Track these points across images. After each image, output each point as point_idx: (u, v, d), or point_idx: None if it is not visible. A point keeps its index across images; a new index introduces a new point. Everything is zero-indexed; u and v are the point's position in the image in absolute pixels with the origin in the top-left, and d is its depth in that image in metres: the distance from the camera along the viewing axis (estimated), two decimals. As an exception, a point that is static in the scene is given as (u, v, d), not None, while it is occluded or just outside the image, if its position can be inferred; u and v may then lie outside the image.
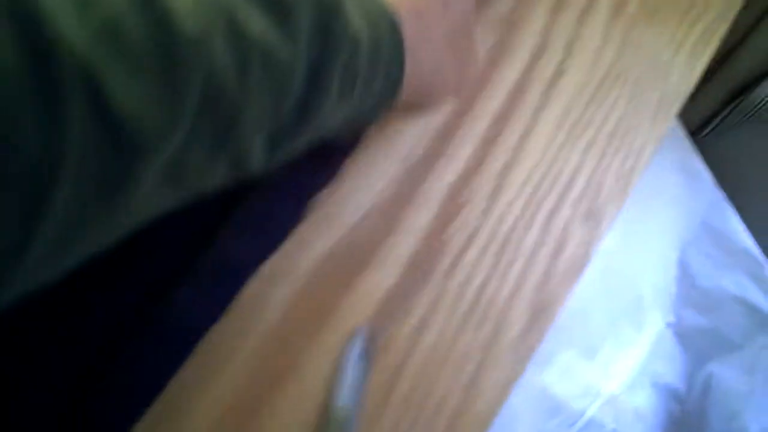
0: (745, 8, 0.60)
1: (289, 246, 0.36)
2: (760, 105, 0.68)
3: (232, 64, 0.19)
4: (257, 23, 0.20)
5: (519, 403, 0.62)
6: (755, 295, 0.71)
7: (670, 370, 0.74)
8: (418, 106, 0.37)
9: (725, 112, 0.71)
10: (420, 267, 0.36)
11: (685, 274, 0.73)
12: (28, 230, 0.15)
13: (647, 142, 0.39)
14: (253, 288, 0.35)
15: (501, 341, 0.35)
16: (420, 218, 0.37)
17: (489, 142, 0.38)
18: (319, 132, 0.27)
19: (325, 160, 0.37)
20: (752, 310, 0.71)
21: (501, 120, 0.38)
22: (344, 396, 0.32)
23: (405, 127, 0.38)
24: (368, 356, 0.34)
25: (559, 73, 0.40)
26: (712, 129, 0.74)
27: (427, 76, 0.33)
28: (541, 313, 0.36)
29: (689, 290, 0.73)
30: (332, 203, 0.36)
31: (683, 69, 0.41)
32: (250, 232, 0.35)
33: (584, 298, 0.65)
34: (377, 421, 0.33)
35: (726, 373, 0.71)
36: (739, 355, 0.71)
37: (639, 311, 0.71)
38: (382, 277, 0.36)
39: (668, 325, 0.73)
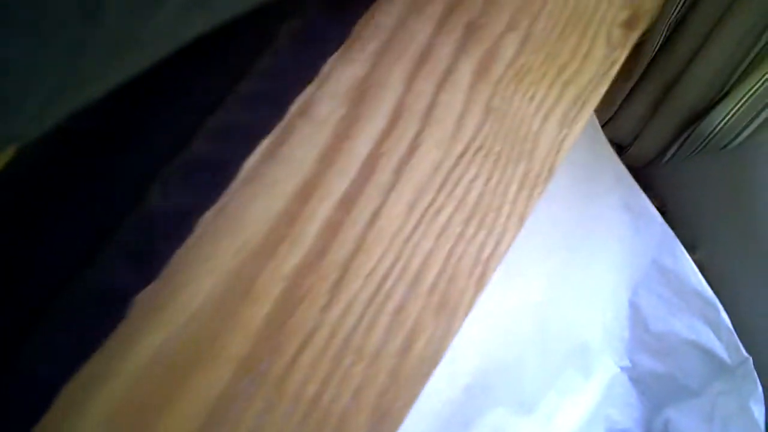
0: (683, 37, 0.56)
1: (113, 344, 0.33)
2: (711, 136, 0.63)
3: None
4: None
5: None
6: (710, 340, 0.66)
7: (626, 416, 0.70)
8: None
9: (675, 146, 0.66)
10: (252, 370, 0.33)
11: (637, 316, 0.69)
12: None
13: (508, 225, 0.35)
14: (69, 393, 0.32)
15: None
16: (255, 314, 0.34)
17: (334, 226, 0.35)
18: None
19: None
20: (708, 355, 0.67)
21: (347, 201, 0.35)
22: None
23: (243, 213, 0.35)
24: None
25: (413, 147, 0.36)
26: (665, 161, 0.69)
27: None
28: (385, 422, 0.33)
29: (642, 334, 0.68)
30: (160, 298, 0.34)
31: (551, 139, 0.37)
32: None
33: (514, 354, 0.61)
34: None
35: (683, 420, 0.67)
36: (697, 401, 0.67)
37: (586, 357, 0.67)
38: (212, 380, 0.33)
39: (622, 369, 0.69)
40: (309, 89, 0.37)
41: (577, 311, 0.66)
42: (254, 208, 0.35)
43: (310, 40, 0.36)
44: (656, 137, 0.69)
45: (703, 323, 0.67)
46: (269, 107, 0.35)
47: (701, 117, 0.64)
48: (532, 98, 0.37)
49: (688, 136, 0.66)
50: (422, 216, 0.35)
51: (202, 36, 0.24)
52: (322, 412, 0.33)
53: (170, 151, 0.33)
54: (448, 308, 0.34)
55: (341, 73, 0.37)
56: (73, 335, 0.31)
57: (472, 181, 0.36)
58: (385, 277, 0.35)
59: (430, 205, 0.36)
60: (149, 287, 0.34)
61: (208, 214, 0.35)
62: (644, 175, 0.71)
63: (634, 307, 0.69)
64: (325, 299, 0.34)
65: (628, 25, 0.39)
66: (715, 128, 0.63)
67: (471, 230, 0.35)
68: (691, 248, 0.68)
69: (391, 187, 0.36)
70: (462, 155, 0.36)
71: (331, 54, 0.36)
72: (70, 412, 0.32)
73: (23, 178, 0.33)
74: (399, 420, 0.32)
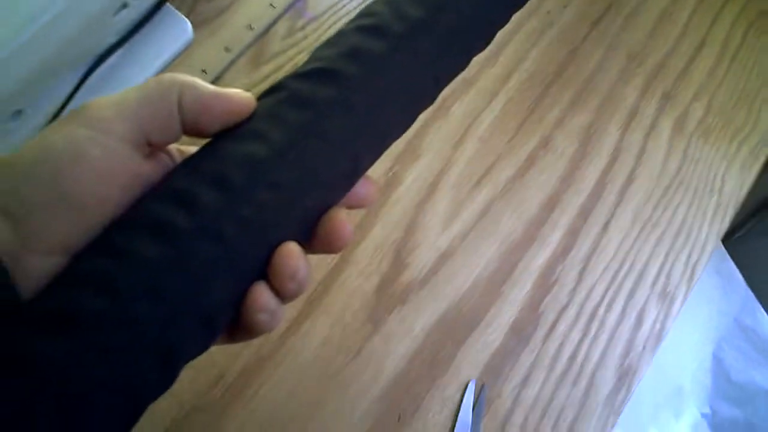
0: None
1: (405, 310, 0.42)
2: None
3: None
4: None
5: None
6: (786, 390, 0.76)
7: (706, 461, 0.78)
8: None
9: (755, 219, 0.79)
10: (520, 333, 0.42)
11: (719, 367, 0.78)
12: None
13: (708, 240, 0.46)
14: (375, 344, 0.41)
15: (594, 398, 0.41)
16: (517, 292, 0.44)
17: (574, 232, 0.46)
18: None
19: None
20: (784, 404, 0.76)
21: (584, 213, 0.46)
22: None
23: (502, 215, 0.46)
24: (480, 405, 0.40)
25: (631, 178, 0.48)
26: (744, 233, 0.81)
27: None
28: (627, 377, 0.42)
29: (724, 383, 0.78)
30: (444, 275, 0.43)
31: (735, 180, 0.49)
32: None
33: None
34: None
35: (760, 465, 0.76)
36: (772, 446, 0.76)
37: (679, 400, 0.76)
38: (489, 338, 0.42)
39: (703, 415, 0.78)
40: (548, 129, 0.48)
41: (676, 358, 0.76)
42: (510, 213, 0.46)
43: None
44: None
45: (781, 375, 0.77)
46: None
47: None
48: (717, 149, 0.50)
49: (765, 215, 0.78)
50: (642, 228, 0.46)
51: None
52: (578, 368, 0.42)
53: None
54: (668, 298, 0.45)
55: (571, 120, 0.49)
56: None
57: (678, 206, 0.47)
58: (617, 271, 0.45)
59: (648, 220, 0.47)
60: (437, 265, 0.43)
61: (476, 215, 0.45)
62: (724, 246, 0.83)
63: (717, 359, 0.78)
64: (572, 284, 0.44)
65: (784, 104, 0.52)
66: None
67: (680, 241, 0.46)
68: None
69: (617, 203, 0.47)
70: (668, 187, 0.48)
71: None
72: (377, 357, 0.41)
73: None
74: (636, 378, 0.42)
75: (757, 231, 0.79)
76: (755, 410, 0.77)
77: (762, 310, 0.79)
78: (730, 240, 0.84)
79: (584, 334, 0.43)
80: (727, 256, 0.80)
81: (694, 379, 0.77)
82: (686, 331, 0.78)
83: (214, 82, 0.49)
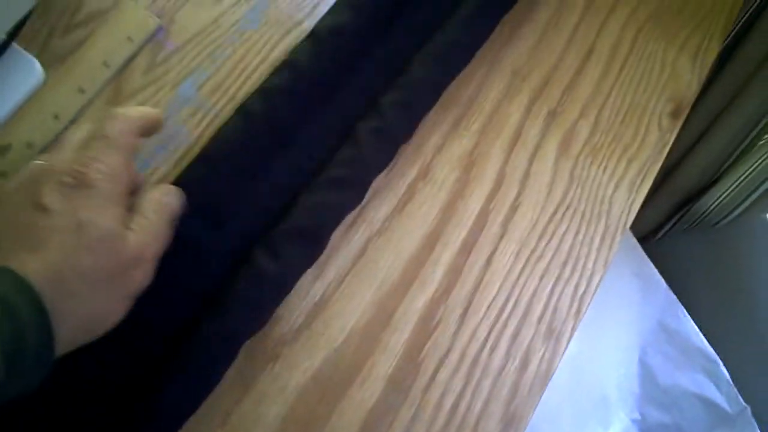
0: (684, 129, 0.68)
1: (278, 366, 0.39)
2: (705, 214, 0.75)
3: None
4: None
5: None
6: (712, 392, 0.75)
7: (638, 467, 0.77)
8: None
9: (672, 221, 0.77)
10: (399, 385, 0.40)
11: (646, 373, 0.77)
12: None
13: (596, 269, 0.44)
14: (245, 407, 0.38)
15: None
16: (396, 340, 0.41)
17: (456, 269, 0.43)
18: None
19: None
20: (710, 405, 0.75)
21: (466, 248, 0.44)
22: None
23: (380, 256, 0.43)
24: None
25: (515, 206, 0.45)
26: (662, 235, 0.80)
27: (85, 325, 0.31)
28: (512, 425, 0.40)
29: (651, 388, 0.77)
30: (318, 324, 0.41)
31: (623, 202, 0.47)
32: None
33: (553, 401, 0.69)
34: None
35: (690, 468, 0.75)
36: (702, 449, 0.75)
37: (605, 410, 0.74)
38: (365, 396, 0.39)
39: (633, 421, 0.77)
40: (428, 157, 0.45)
41: (597, 366, 0.74)
42: (388, 254, 0.43)
43: (386, 135, 0.44)
44: (653, 215, 0.80)
45: (706, 377, 0.76)
46: (352, 189, 0.43)
47: (696, 198, 0.75)
48: (605, 169, 0.47)
49: (683, 214, 0.77)
50: (527, 261, 0.44)
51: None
52: (460, 419, 0.40)
53: (274, 223, 0.41)
54: (554, 335, 0.42)
55: (453, 145, 0.46)
56: (201, 372, 0.37)
57: (564, 233, 0.45)
58: (501, 309, 0.42)
59: (533, 252, 0.44)
60: (311, 317, 0.41)
61: (352, 259, 0.42)
62: (643, 248, 0.81)
63: (643, 364, 0.77)
64: (455, 327, 0.42)
65: (674, 115, 0.49)
66: (707, 208, 0.74)
67: (567, 272, 0.44)
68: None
69: (501, 235, 0.44)
70: (554, 213, 0.45)
71: (401, 145, 0.45)
72: (247, 423, 0.38)
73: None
74: (524, 424, 0.39)
75: (674, 233, 0.78)
76: (682, 413, 0.76)
77: (684, 311, 0.78)
78: (649, 242, 0.83)
79: (467, 382, 0.40)
80: (647, 259, 0.79)
81: (621, 386, 0.76)
82: (610, 337, 0.76)
83: (67, 127, 0.45)
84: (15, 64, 0.46)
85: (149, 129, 0.37)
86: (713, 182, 0.73)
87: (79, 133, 0.35)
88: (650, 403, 0.77)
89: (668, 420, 0.76)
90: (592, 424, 0.73)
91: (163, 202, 0.35)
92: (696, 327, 0.77)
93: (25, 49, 0.45)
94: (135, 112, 0.36)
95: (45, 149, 0.44)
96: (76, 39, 0.47)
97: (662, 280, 0.78)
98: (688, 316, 0.77)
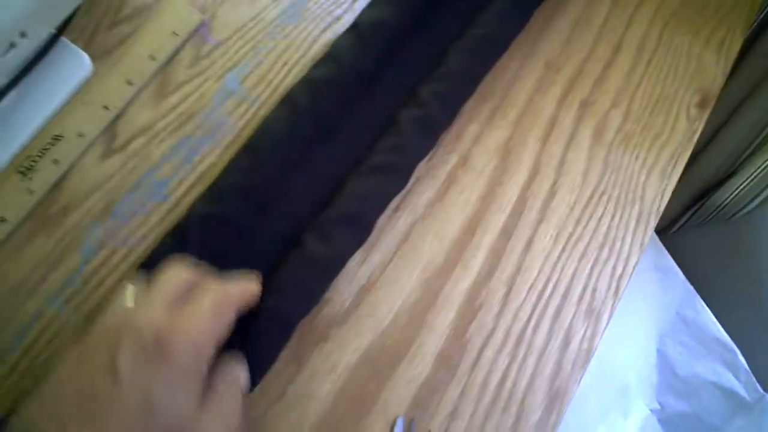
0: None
1: (328, 346, 0.41)
2: (721, 206, 0.76)
3: None
4: None
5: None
6: (730, 380, 0.77)
7: (657, 455, 0.78)
8: None
9: (690, 213, 0.79)
10: (447, 363, 0.41)
11: (664, 363, 0.79)
12: None
13: (632, 251, 0.46)
14: (298, 384, 0.40)
15: (525, 424, 0.40)
16: (442, 320, 0.42)
17: (497, 253, 0.45)
18: None
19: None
20: (728, 394, 0.77)
21: (506, 232, 0.45)
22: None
23: (423, 241, 0.44)
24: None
25: (552, 192, 0.47)
26: (679, 228, 0.82)
27: None
28: (557, 400, 0.41)
29: (670, 378, 0.78)
30: (366, 306, 0.42)
31: (656, 188, 0.48)
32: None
33: (578, 390, 0.70)
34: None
35: (709, 456, 0.77)
36: (721, 437, 0.76)
37: (626, 399, 0.76)
38: (415, 372, 0.41)
39: (652, 411, 0.78)
40: (466, 146, 0.47)
41: (618, 357, 0.76)
42: (432, 238, 0.44)
43: (427, 124, 0.45)
44: (670, 208, 0.81)
45: (724, 366, 0.77)
46: (397, 175, 0.45)
47: (712, 191, 0.77)
48: (637, 157, 0.49)
49: (699, 207, 0.79)
50: (565, 244, 0.45)
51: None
52: (507, 394, 0.41)
53: (319, 210, 0.42)
54: (594, 314, 0.44)
55: (490, 135, 0.48)
56: (259, 352, 0.38)
57: (601, 217, 0.46)
58: (542, 290, 0.44)
59: (571, 235, 0.46)
60: (358, 299, 0.42)
61: (396, 243, 0.44)
62: (661, 240, 0.83)
63: (662, 355, 0.79)
64: (498, 308, 0.43)
65: (701, 105, 0.51)
66: (724, 201, 0.76)
67: (605, 254, 0.46)
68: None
69: (540, 220, 0.46)
70: (590, 198, 0.47)
71: (441, 134, 0.46)
72: (300, 399, 0.39)
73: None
74: (567, 400, 0.41)
75: (692, 224, 0.80)
76: (701, 401, 0.77)
77: (702, 302, 0.79)
78: (667, 234, 0.84)
79: (512, 359, 0.42)
80: (665, 251, 0.80)
81: (640, 375, 0.78)
82: (629, 329, 0.78)
83: (117, 117, 0.46)
84: (65, 57, 0.47)
85: (247, 304, 0.35)
86: (730, 175, 0.74)
87: (174, 283, 0.32)
88: (669, 392, 0.79)
89: (687, 408, 0.78)
90: (613, 413, 0.74)
91: (234, 375, 0.33)
92: (713, 317, 0.78)
93: (73, 42, 0.47)
94: (237, 286, 0.33)
95: (96, 139, 0.45)
96: (122, 33, 0.48)
97: (680, 272, 0.80)
98: (706, 307, 0.79)
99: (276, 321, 0.38)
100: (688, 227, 0.81)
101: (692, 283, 0.80)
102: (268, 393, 0.39)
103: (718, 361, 0.78)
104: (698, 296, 0.79)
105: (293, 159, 0.44)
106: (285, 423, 0.39)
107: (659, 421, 0.79)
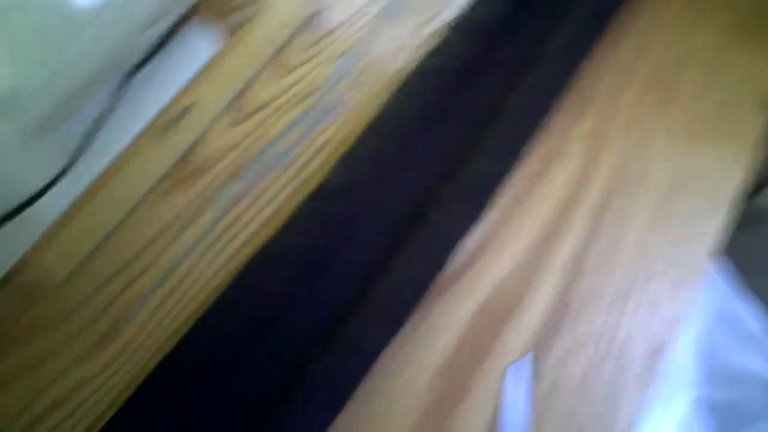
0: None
1: (449, 297, 0.45)
2: (764, 208, 0.81)
3: None
4: None
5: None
6: (770, 373, 0.81)
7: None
8: None
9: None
10: (553, 317, 0.45)
11: (707, 353, 0.83)
12: None
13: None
14: (418, 336, 0.43)
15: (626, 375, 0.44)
16: (549, 279, 0.46)
17: (594, 229, 0.49)
18: None
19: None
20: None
21: (599, 211, 0.49)
22: (511, 415, 0.41)
23: (525, 214, 0.48)
24: (526, 383, 0.42)
25: (638, 182, 0.51)
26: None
27: None
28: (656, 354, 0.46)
29: (712, 372, 0.82)
30: (479, 265, 0.46)
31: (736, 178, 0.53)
32: (416, 261, 0.45)
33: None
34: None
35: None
36: (762, 425, 0.80)
37: (668, 391, 0.79)
38: (522, 328, 0.45)
39: (695, 402, 0.82)
40: (556, 138, 0.51)
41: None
42: (533, 213, 0.49)
43: (525, 114, 0.51)
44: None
45: (766, 361, 0.81)
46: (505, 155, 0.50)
47: (755, 192, 0.81)
48: (711, 151, 0.53)
49: (743, 207, 0.83)
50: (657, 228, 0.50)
51: None
52: (619, 345, 0.45)
53: (435, 183, 0.47)
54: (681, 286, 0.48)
55: (574, 129, 0.52)
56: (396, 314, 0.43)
57: (691, 198, 0.51)
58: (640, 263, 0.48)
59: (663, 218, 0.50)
60: (472, 258, 0.46)
61: (499, 215, 0.48)
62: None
63: (705, 350, 0.83)
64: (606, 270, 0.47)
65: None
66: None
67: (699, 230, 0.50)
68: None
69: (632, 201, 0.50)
70: (676, 187, 0.51)
71: (539, 125, 0.51)
72: (420, 350, 0.43)
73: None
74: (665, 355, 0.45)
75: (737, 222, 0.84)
76: (743, 394, 0.81)
77: (744, 299, 0.83)
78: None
79: (621, 312, 0.46)
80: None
81: (683, 369, 0.81)
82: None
83: (241, 91, 0.51)
84: (196, 35, 0.52)
85: None
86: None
87: None
88: (712, 383, 0.82)
89: (729, 401, 0.82)
90: (656, 402, 0.77)
91: None
92: (756, 314, 0.82)
93: (203, 22, 0.51)
94: None
95: (224, 110, 0.50)
96: (243, 17, 0.53)
97: (722, 269, 0.84)
98: (748, 304, 0.83)
99: (410, 286, 0.44)
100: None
101: (737, 277, 0.84)
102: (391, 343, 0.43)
103: (760, 356, 0.82)
104: (740, 293, 0.83)
105: (411, 135, 0.49)
106: (405, 370, 0.43)
107: (701, 410, 0.82)
